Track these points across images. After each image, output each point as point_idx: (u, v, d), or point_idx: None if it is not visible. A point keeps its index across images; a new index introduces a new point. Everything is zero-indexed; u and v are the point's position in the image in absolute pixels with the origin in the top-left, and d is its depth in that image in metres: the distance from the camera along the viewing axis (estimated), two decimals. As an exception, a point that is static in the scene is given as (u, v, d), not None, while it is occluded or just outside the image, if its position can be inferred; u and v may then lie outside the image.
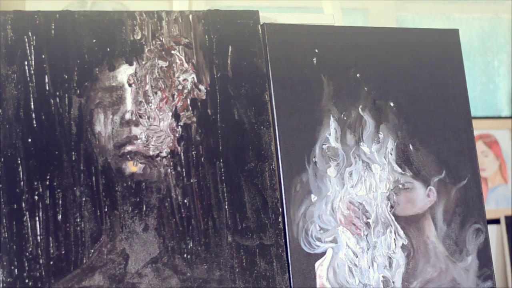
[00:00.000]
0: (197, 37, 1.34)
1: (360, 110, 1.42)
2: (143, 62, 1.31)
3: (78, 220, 1.23)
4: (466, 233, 1.44)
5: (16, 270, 1.18)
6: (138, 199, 1.26)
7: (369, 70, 1.44)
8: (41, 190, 1.22)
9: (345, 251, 1.35)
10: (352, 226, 1.37)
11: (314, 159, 1.37)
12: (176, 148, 1.30)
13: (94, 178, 1.25)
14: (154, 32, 1.32)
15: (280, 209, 1.32)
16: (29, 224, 1.20)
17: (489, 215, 1.98)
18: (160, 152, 1.29)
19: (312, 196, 1.35)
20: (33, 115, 1.24)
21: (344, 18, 1.59)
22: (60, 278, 1.20)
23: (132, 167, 1.27)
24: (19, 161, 1.22)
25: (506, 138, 2.93)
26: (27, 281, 1.19)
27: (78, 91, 1.27)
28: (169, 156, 1.29)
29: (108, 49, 1.29)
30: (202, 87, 1.33)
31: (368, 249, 1.37)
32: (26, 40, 1.25)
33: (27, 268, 1.19)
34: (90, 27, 1.29)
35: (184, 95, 1.32)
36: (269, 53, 1.37)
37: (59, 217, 1.22)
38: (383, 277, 1.37)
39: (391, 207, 1.40)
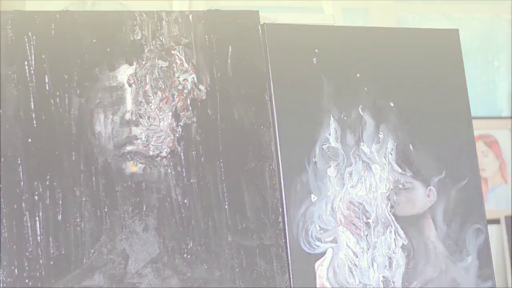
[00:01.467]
0: (197, 37, 1.34)
1: (360, 110, 1.42)
2: (143, 62, 1.31)
3: (78, 220, 1.23)
4: (466, 233, 1.44)
5: (16, 270, 1.18)
6: (138, 199, 1.26)
7: (369, 70, 1.44)
8: (41, 190, 1.22)
9: (345, 251, 1.35)
10: (352, 226, 1.37)
11: (314, 159, 1.37)
12: (176, 148, 1.30)
13: (94, 178, 1.25)
14: (154, 32, 1.32)
15: (280, 209, 1.32)
16: (29, 224, 1.20)
17: (489, 215, 1.98)
18: (160, 152, 1.29)
19: (312, 196, 1.35)
20: (33, 115, 1.24)
21: (344, 18, 1.59)
22: (60, 278, 1.20)
23: (132, 167, 1.27)
24: (19, 161, 1.22)
25: (506, 138, 2.93)
26: (27, 281, 1.18)
27: (78, 91, 1.27)
28: (169, 156, 1.29)
29: (108, 49, 1.29)
30: (202, 87, 1.33)
31: (368, 249, 1.37)
32: (26, 40, 1.25)
33: (27, 268, 1.19)
34: (90, 27, 1.29)
35: (184, 95, 1.32)
36: (269, 53, 1.37)
37: (59, 217, 1.22)
38: (383, 277, 1.37)
39: (391, 207, 1.40)
